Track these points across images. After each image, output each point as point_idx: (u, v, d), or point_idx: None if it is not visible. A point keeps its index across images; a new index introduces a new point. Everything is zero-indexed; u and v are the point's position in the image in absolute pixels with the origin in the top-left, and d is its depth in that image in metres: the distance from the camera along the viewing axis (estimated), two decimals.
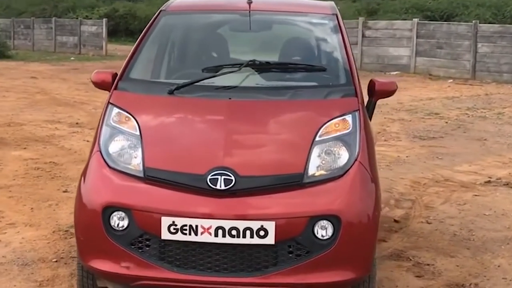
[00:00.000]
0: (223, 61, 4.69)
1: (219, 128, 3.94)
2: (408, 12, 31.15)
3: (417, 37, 22.55)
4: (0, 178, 7.53)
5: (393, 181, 7.94)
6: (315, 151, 3.85)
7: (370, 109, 4.66)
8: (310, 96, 4.18)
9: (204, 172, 3.69)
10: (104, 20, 31.21)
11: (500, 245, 5.67)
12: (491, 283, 4.83)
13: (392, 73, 22.62)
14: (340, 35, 4.60)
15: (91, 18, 38.05)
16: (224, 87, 4.20)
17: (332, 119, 4.00)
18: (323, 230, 3.68)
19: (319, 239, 3.68)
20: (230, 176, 3.67)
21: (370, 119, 4.63)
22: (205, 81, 4.27)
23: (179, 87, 4.16)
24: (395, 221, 6.33)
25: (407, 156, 9.52)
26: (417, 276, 4.92)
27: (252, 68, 4.38)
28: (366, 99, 4.55)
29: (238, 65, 4.36)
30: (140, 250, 3.71)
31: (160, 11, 4.91)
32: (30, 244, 5.32)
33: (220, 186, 3.66)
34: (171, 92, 4.14)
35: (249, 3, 4.80)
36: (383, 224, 6.20)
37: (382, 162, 8.94)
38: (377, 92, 4.58)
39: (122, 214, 3.71)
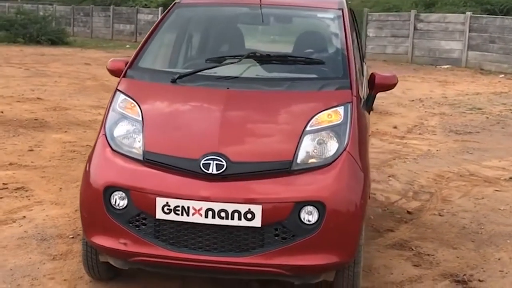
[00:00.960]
0: (228, 52, 4.90)
1: (215, 116, 4.16)
2: (466, 5, 30.64)
3: (469, 31, 22.28)
4: (37, 159, 7.92)
5: (417, 174, 8.04)
6: (305, 140, 4.04)
7: (369, 102, 4.81)
8: (305, 88, 4.37)
9: (198, 157, 3.92)
10: (160, 8, 31.73)
11: (507, 239, 5.75)
12: (486, 275, 4.94)
13: (443, 66, 22.46)
14: (343, 29, 4.76)
15: (149, 7, 38.59)
16: (225, 77, 4.43)
17: (324, 110, 4.18)
18: (309, 215, 3.88)
19: (304, 223, 3.88)
20: (222, 162, 3.89)
21: (369, 112, 4.79)
22: (208, 71, 4.51)
23: (181, 76, 4.41)
24: (408, 212, 6.46)
25: (437, 150, 9.57)
26: (414, 265, 5.06)
27: (254, 60, 4.59)
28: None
29: (240, 57, 4.57)
30: (137, 228, 3.97)
31: (174, 3, 5.15)
32: (52, 221, 5.65)
33: (212, 171, 3.89)
34: (173, 81, 4.40)
35: None
36: (395, 214, 6.37)
37: (410, 156, 9.06)
38: (377, 86, 4.73)
39: (122, 194, 3.98)
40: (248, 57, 4.58)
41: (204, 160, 3.91)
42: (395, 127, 11.36)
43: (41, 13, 32.24)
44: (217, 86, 4.35)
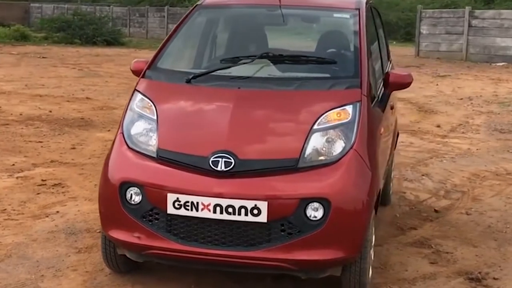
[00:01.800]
0: (246, 53, 5.02)
1: (225, 114, 4.29)
2: None
3: None
4: (78, 156, 8.20)
5: (452, 173, 8.01)
6: (313, 138, 4.14)
7: (384, 100, 4.86)
8: (315, 87, 4.46)
9: (207, 154, 4.07)
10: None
11: None
12: (503, 273, 4.93)
13: (498, 64, 22.09)
14: (358, 29, 4.82)
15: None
16: (238, 77, 4.56)
17: (332, 109, 4.27)
18: (315, 212, 3.98)
19: (310, 219, 3.98)
20: (230, 159, 4.03)
21: (383, 111, 4.84)
22: (223, 71, 4.65)
23: (196, 76, 4.56)
24: (435, 211, 6.47)
25: (477, 149, 9.49)
26: (431, 263, 5.09)
27: (268, 60, 4.71)
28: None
29: (253, 57, 4.70)
30: (150, 223, 4.14)
31: (196, 5, 5.30)
32: (83, 216, 5.88)
33: (221, 168, 4.03)
34: (188, 81, 4.55)
35: None
36: (422, 213, 6.39)
37: (449, 155, 9.02)
38: (391, 84, 4.79)
39: (137, 189, 4.15)
40: (261, 57, 4.70)
41: (213, 158, 4.04)
42: (438, 126, 11.30)
43: (97, 15, 32.97)
44: (228, 86, 4.48)
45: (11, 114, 11.01)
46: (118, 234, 4.24)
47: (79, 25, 28.88)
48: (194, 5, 5.30)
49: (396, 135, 6.57)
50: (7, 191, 6.61)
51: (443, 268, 4.99)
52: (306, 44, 5.25)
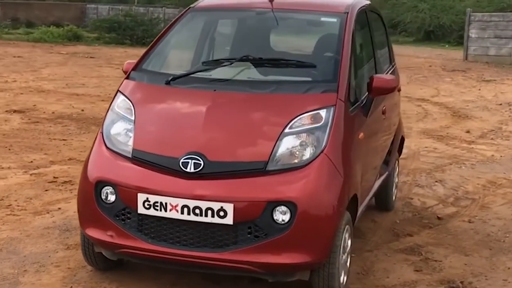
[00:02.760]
0: (229, 55, 5.06)
1: (198, 116, 4.34)
2: None
3: None
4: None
5: (467, 179, 7.89)
6: (283, 141, 4.16)
7: (367, 105, 4.82)
8: (290, 90, 4.47)
9: (178, 155, 4.13)
10: None
11: None
12: (487, 283, 4.85)
13: None
14: (343, 33, 4.80)
15: None
16: (217, 79, 4.60)
17: (305, 113, 4.27)
18: (282, 215, 4.00)
19: (277, 223, 4.00)
20: (200, 161, 4.08)
21: (367, 116, 4.81)
22: (203, 74, 4.71)
23: (175, 78, 4.62)
24: (438, 218, 6.38)
25: (501, 156, 9.30)
26: (415, 270, 5.03)
27: (250, 63, 4.75)
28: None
29: (233, 60, 4.74)
30: (123, 222, 4.23)
31: (189, 7, 5.37)
32: None
33: (190, 169, 4.08)
34: (167, 83, 4.61)
35: (271, 1, 5.15)
36: (423, 220, 6.32)
37: (470, 161, 8.87)
38: (374, 89, 4.75)
39: (111, 189, 4.24)
40: (241, 60, 4.74)
41: (183, 159, 4.10)
42: (467, 132, 11.10)
43: (149, 16, 33.41)
44: (205, 88, 4.53)
45: (44, 112, 11.29)
46: (93, 232, 4.34)
47: (130, 26, 29.28)
48: (188, 7, 5.36)
49: (398, 140, 6.49)
50: (17, 187, 6.80)
51: (426, 276, 4.93)
52: (291, 47, 5.24)
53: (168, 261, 4.18)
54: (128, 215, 4.21)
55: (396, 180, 6.72)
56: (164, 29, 5.19)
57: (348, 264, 4.55)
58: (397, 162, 6.62)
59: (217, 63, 4.81)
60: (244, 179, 4.08)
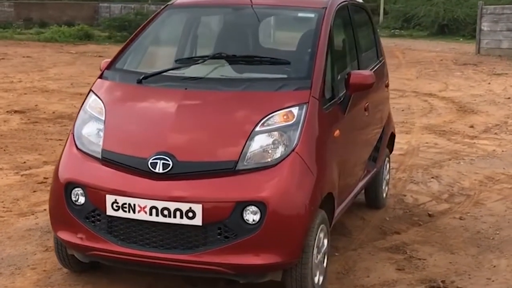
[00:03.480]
0: (203, 53, 4.98)
1: (168, 116, 4.27)
2: None
3: None
4: None
5: (464, 175, 7.76)
6: (253, 140, 4.08)
7: (344, 102, 4.72)
8: (262, 88, 4.38)
9: (147, 156, 4.06)
10: None
11: None
12: (469, 282, 4.74)
13: None
14: (319, 29, 4.70)
15: None
16: (190, 78, 4.53)
17: (277, 111, 4.18)
18: (252, 215, 3.93)
19: (247, 223, 3.93)
20: (168, 161, 4.01)
21: (345, 112, 4.71)
22: (176, 72, 4.63)
23: (147, 77, 4.55)
24: (429, 215, 6.28)
25: (503, 151, 9.15)
26: (397, 269, 4.93)
27: (224, 60, 4.67)
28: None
29: (205, 58, 4.66)
30: (93, 224, 4.17)
31: (166, 5, 5.30)
32: None
33: (159, 170, 4.01)
34: (139, 82, 4.54)
35: None
36: (413, 217, 6.23)
37: (470, 156, 8.74)
38: (351, 85, 4.65)
39: (81, 190, 4.19)
40: (214, 58, 4.66)
41: (152, 159, 4.04)
42: (471, 126, 10.93)
43: None
44: (177, 86, 4.45)
45: (44, 112, 11.28)
46: (64, 235, 4.29)
47: (140, 24, 29.21)
48: (165, 4, 5.28)
49: (387, 137, 6.37)
50: (6, 188, 6.77)
51: (408, 275, 4.84)
52: (268, 44, 5.15)
53: (139, 263, 4.12)
54: (98, 217, 4.15)
55: (387, 177, 6.61)
56: (141, 27, 5.12)
57: (324, 264, 4.46)
58: (387, 159, 6.51)
59: (191, 61, 4.74)
60: (213, 179, 4.00)
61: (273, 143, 4.10)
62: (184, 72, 4.63)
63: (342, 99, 4.70)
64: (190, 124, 4.25)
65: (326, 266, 4.49)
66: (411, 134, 10.24)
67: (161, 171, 4.01)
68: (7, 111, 11.24)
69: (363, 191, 6.35)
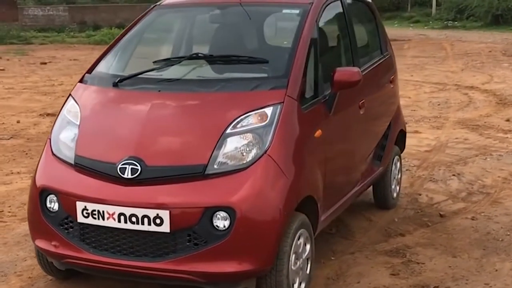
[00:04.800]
0: (187, 53, 4.85)
1: (139, 119, 4.15)
2: None
3: None
4: None
5: (488, 172, 7.45)
6: (224, 143, 3.93)
7: (329, 101, 4.52)
8: (237, 88, 4.22)
9: (117, 161, 3.96)
10: None
11: None
12: None
13: None
14: (301, 26, 4.52)
15: None
16: (166, 79, 4.41)
17: (249, 112, 4.03)
18: (222, 221, 3.79)
19: (217, 229, 3.79)
20: (137, 166, 3.90)
21: (330, 111, 4.52)
22: (153, 74, 4.52)
23: (122, 80, 4.45)
24: (440, 215, 6.02)
25: None
26: (391, 274, 4.70)
27: (205, 60, 4.55)
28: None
29: (181, 58, 4.55)
30: (66, 231, 4.10)
31: (154, 6, 5.19)
32: None
33: (127, 175, 3.91)
34: (115, 85, 4.44)
35: None
36: (423, 217, 6.00)
37: (498, 152, 8.44)
38: (335, 83, 4.46)
39: (55, 197, 4.13)
40: (190, 58, 4.54)
41: (121, 164, 3.94)
42: (507, 120, 10.53)
43: None
44: (150, 89, 4.34)
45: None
46: (40, 242, 4.23)
47: None
48: (153, 5, 5.18)
49: (395, 134, 6.11)
50: (17, 192, 6.80)
51: (401, 281, 4.61)
52: (251, 42, 4.97)
53: (111, 271, 4.03)
54: (71, 224, 4.08)
55: (398, 176, 6.37)
56: (126, 28, 5.03)
57: (307, 270, 4.28)
58: (397, 157, 6.26)
59: (168, 62, 4.62)
60: (181, 184, 3.88)
61: (245, 145, 3.95)
62: (161, 74, 4.51)
63: (327, 97, 4.51)
64: (161, 127, 4.13)
65: (309, 272, 4.30)
66: (442, 129, 9.93)
67: (129, 176, 3.91)
68: (40, 114, 11.37)
69: (371, 191, 6.16)
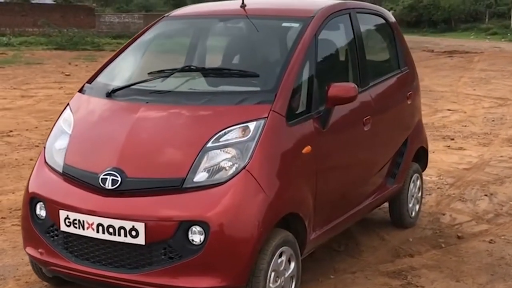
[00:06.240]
0: (180, 65, 4.83)
1: (124, 130, 4.16)
2: None
3: None
4: None
5: None
6: (204, 157, 3.90)
7: (324, 117, 4.41)
8: (222, 102, 4.17)
9: (99, 171, 3.99)
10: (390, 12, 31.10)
11: None
12: None
13: None
14: (298, 39, 4.44)
15: (395, 10, 38.39)
16: (158, 91, 4.41)
17: (232, 126, 3.98)
18: (197, 236, 3.77)
19: (192, 244, 3.77)
20: (117, 177, 3.92)
21: (324, 128, 4.40)
22: (146, 85, 4.51)
23: (115, 90, 4.48)
24: (458, 237, 5.81)
25: None
26: None
27: (201, 73, 4.54)
28: None
29: (173, 70, 4.54)
30: (52, 239, 4.15)
31: (163, 16, 5.21)
32: None
33: (108, 186, 3.94)
34: (108, 95, 4.48)
35: (243, 7, 4.90)
36: (439, 238, 5.82)
37: None
38: (329, 98, 4.36)
39: (43, 204, 4.19)
40: (182, 71, 4.53)
41: (103, 175, 3.96)
42: None
43: None
44: (139, 100, 4.35)
45: None
46: (29, 249, 4.31)
47: None
48: (162, 16, 5.20)
49: (412, 151, 5.92)
50: None
51: None
52: (249, 56, 4.90)
53: (91, 281, 4.05)
54: (56, 232, 4.13)
55: (418, 195, 6.17)
56: (132, 39, 5.07)
57: None
58: (416, 175, 6.06)
59: (162, 73, 4.61)
60: (158, 197, 3.87)
61: (226, 159, 3.90)
62: (155, 85, 4.52)
63: (321, 113, 4.41)
64: (144, 139, 4.13)
65: None
66: (489, 147, 9.61)
67: (110, 187, 3.93)
68: None
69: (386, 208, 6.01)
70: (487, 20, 41.88)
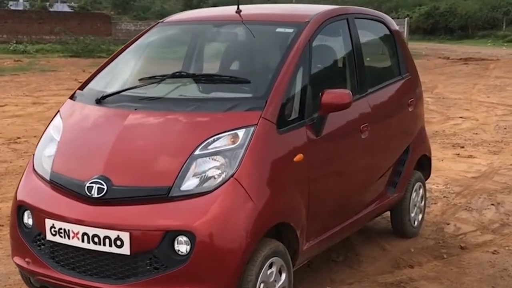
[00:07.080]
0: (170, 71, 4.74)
1: (111, 138, 4.08)
2: None
3: None
4: None
5: None
6: (191, 165, 3.81)
7: (317, 124, 4.31)
8: (211, 109, 4.08)
9: (86, 179, 3.92)
10: (406, 19, 30.97)
11: None
12: None
13: None
14: (291, 45, 4.35)
15: (411, 17, 38.22)
16: (148, 98, 4.33)
17: (220, 133, 3.90)
18: (184, 246, 3.68)
19: (177, 254, 3.69)
20: (103, 185, 3.84)
21: (317, 135, 4.30)
22: (137, 91, 4.44)
23: (105, 97, 4.40)
24: (461, 247, 5.67)
25: None
26: None
27: (193, 79, 4.46)
28: None
29: (163, 77, 4.46)
30: (38, 248, 4.08)
31: (157, 22, 5.14)
32: None
33: (94, 194, 3.86)
34: (97, 102, 4.41)
35: (238, 12, 4.82)
36: (442, 248, 5.69)
37: None
38: (322, 105, 4.26)
39: (30, 213, 4.13)
40: (172, 77, 4.45)
41: (89, 183, 3.89)
42: None
43: None
44: (128, 107, 4.27)
45: None
46: (16, 258, 4.24)
47: None
48: (156, 22, 5.14)
49: (414, 160, 5.78)
50: None
51: None
52: (242, 62, 4.82)
53: None
54: (42, 241, 4.06)
55: (421, 204, 6.04)
56: (125, 45, 5.00)
57: None
58: (419, 183, 5.94)
59: (152, 79, 4.53)
60: (144, 206, 3.78)
61: (214, 168, 3.81)
62: (146, 92, 4.44)
63: (314, 120, 4.30)
64: (130, 147, 4.04)
65: None
66: (499, 155, 9.45)
67: (96, 195, 3.85)
68: None
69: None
70: (504, 27, 41.51)
